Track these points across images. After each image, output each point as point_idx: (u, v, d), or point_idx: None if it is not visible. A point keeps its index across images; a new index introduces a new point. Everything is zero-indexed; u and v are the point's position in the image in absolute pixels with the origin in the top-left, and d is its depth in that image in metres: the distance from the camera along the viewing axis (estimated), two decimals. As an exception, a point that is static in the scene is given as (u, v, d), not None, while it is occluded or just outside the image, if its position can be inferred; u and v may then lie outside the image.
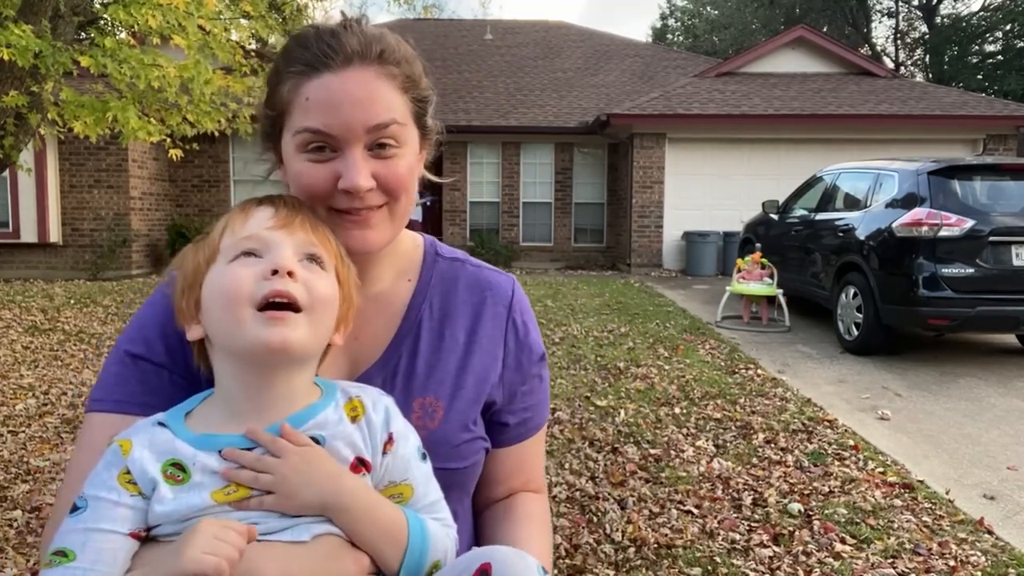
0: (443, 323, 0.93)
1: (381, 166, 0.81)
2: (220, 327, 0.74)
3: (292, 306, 0.72)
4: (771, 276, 7.38)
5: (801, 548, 2.72)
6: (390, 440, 0.77)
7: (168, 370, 0.84)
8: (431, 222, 14.74)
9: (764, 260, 7.49)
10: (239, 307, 0.71)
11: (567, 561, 2.61)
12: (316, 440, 0.74)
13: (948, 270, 5.53)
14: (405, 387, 0.88)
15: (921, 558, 2.66)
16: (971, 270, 5.53)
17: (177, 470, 0.71)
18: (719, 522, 2.93)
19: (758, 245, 8.41)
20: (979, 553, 2.71)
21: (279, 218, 0.78)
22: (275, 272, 0.72)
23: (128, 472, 0.71)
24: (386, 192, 0.83)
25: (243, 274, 0.73)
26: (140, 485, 0.71)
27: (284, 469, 0.71)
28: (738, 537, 2.80)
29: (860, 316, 6.09)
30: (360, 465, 0.75)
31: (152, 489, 0.71)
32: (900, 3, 27.95)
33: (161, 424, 0.74)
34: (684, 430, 4.03)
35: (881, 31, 31.64)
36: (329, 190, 0.81)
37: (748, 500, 3.15)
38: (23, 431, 3.96)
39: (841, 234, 6.65)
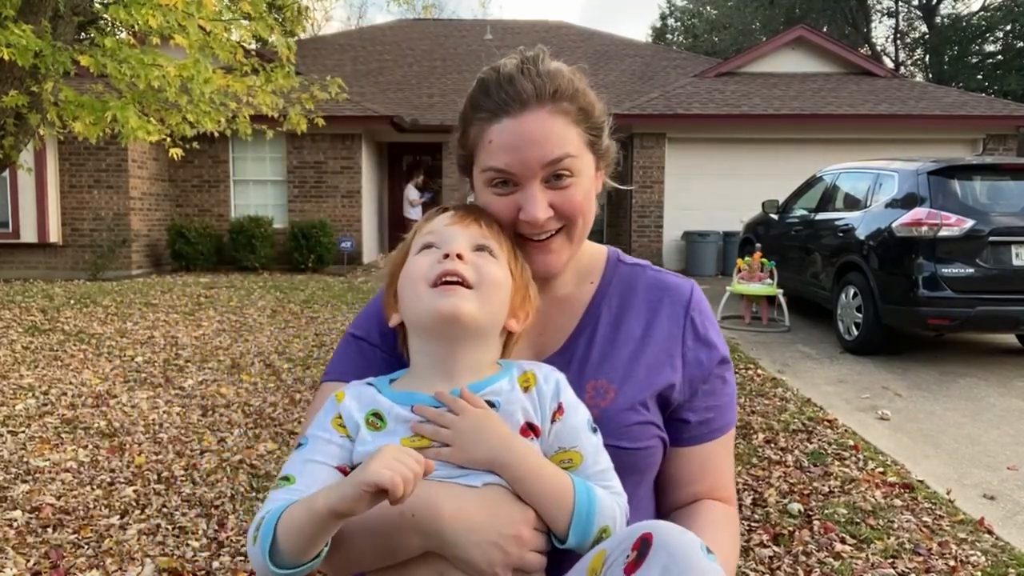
0: (620, 318, 1.00)
1: (557, 196, 0.91)
2: (407, 306, 0.89)
3: (463, 283, 0.85)
4: (771, 276, 7.38)
5: (801, 548, 2.72)
6: (559, 409, 0.86)
7: (380, 349, 1.01)
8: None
9: (764, 260, 7.49)
10: (418, 285, 0.86)
11: (567, 561, 2.61)
12: (491, 404, 0.85)
13: (948, 270, 5.53)
14: (579, 371, 0.96)
15: (921, 558, 2.66)
16: (971, 270, 5.53)
17: (376, 419, 0.86)
18: (719, 522, 2.92)
19: (758, 245, 8.41)
20: (979, 553, 2.71)
21: (455, 217, 0.92)
22: (447, 256, 0.86)
23: (339, 417, 0.87)
24: (563, 218, 0.93)
25: (422, 260, 0.88)
26: (348, 428, 0.86)
27: (460, 425, 0.83)
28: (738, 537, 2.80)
29: (860, 316, 6.09)
30: (529, 429, 0.85)
31: (356, 432, 0.86)
32: (900, 3, 27.94)
33: (369, 384, 0.91)
34: (684, 430, 4.03)
35: (881, 31, 31.68)
36: (512, 219, 0.93)
37: (748, 500, 3.15)
38: (23, 431, 3.96)
39: (841, 234, 6.65)
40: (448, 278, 0.84)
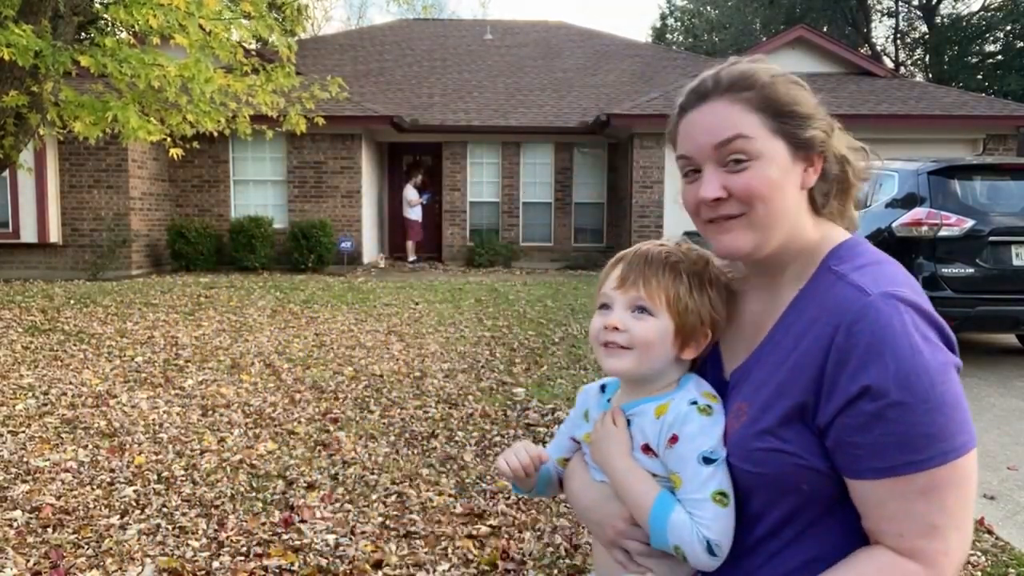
0: (785, 334, 0.96)
1: (733, 179, 0.94)
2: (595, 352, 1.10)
3: (621, 347, 1.03)
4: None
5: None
6: (673, 438, 0.99)
7: None
8: (431, 222, 14.74)
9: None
10: (595, 344, 1.07)
11: (567, 561, 2.61)
12: (629, 421, 1.06)
13: (948, 270, 5.53)
14: (737, 388, 1.01)
15: (921, 558, 2.66)
16: (971, 270, 5.53)
17: (586, 414, 1.16)
18: (719, 522, 2.92)
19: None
20: (979, 553, 2.71)
21: (618, 280, 1.05)
22: (606, 327, 1.04)
23: (579, 407, 1.19)
24: (741, 201, 0.94)
25: (596, 322, 1.06)
26: (580, 415, 1.18)
27: (596, 434, 1.09)
28: (738, 537, 2.80)
29: (860, 316, 6.08)
30: (647, 449, 1.02)
31: (580, 417, 1.17)
32: (900, 3, 27.94)
33: (602, 387, 1.17)
34: (684, 430, 4.03)
35: (881, 31, 31.69)
36: (696, 205, 0.98)
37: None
38: (23, 431, 3.96)
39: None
40: (609, 343, 1.03)
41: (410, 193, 14.14)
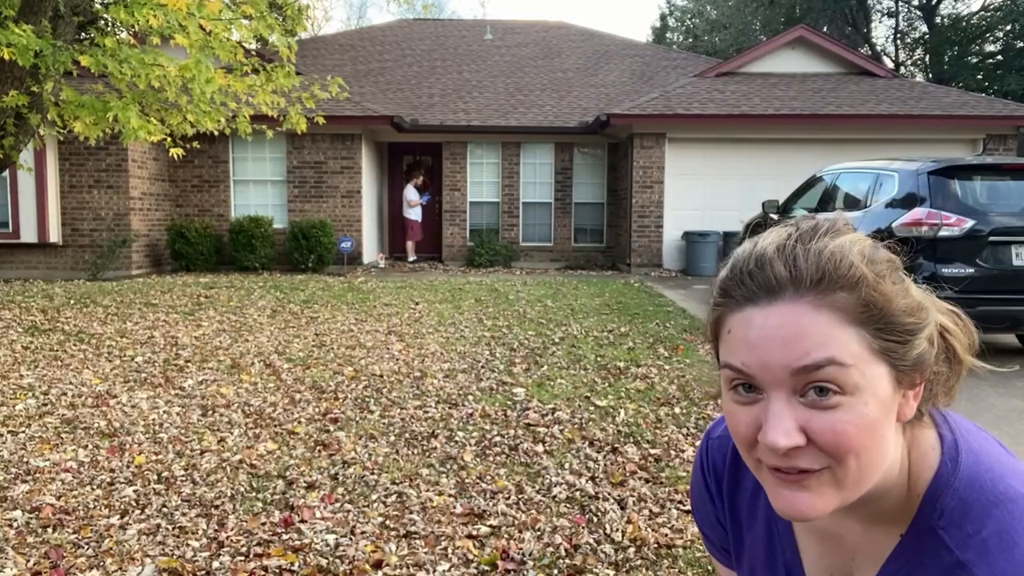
0: None
1: (817, 418, 0.66)
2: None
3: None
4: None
5: (801, 548, 2.71)
6: None
7: None
8: (431, 222, 14.75)
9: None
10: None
11: (567, 561, 2.61)
12: None
13: (948, 270, 5.53)
14: None
15: (921, 558, 2.66)
16: (971, 270, 5.53)
17: None
18: (719, 522, 2.92)
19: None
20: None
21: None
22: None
23: None
24: (825, 452, 0.66)
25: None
26: None
27: None
28: (738, 537, 2.80)
29: (860, 316, 6.08)
30: None
31: None
32: (900, 3, 27.95)
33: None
34: (684, 430, 4.03)
35: (881, 31, 31.68)
36: (753, 437, 0.69)
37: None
38: (23, 431, 3.96)
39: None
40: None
41: (410, 193, 14.15)
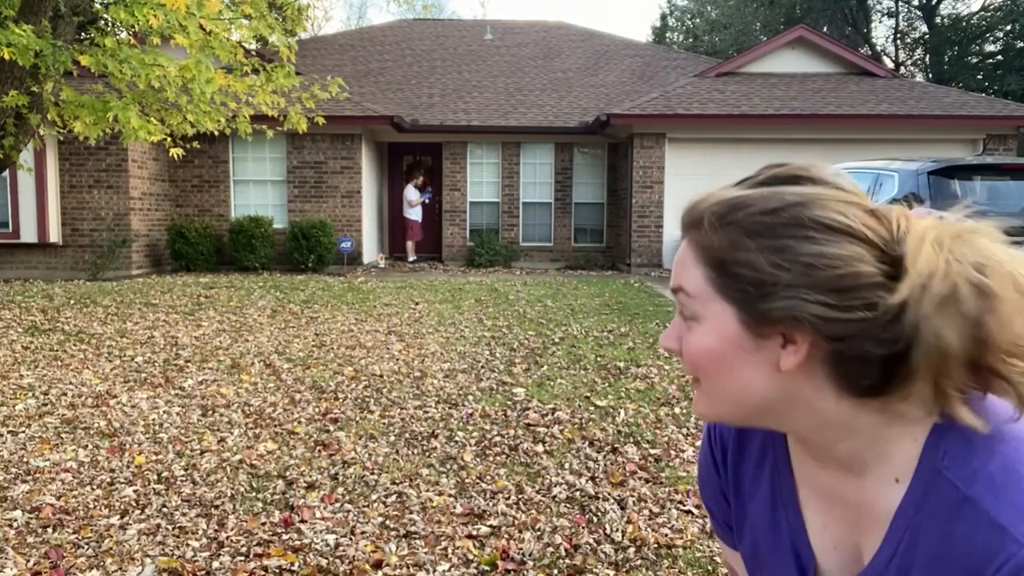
0: (911, 566, 0.70)
1: (686, 334, 0.76)
2: None
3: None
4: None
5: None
6: None
7: None
8: (431, 222, 14.74)
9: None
10: None
11: (567, 561, 2.61)
12: None
13: (948, 270, 5.53)
14: None
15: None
16: (971, 270, 5.53)
17: None
18: (719, 522, 2.92)
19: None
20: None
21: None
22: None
23: None
24: (688, 364, 0.77)
25: None
26: None
27: None
28: (738, 537, 2.80)
29: (860, 316, 6.08)
30: None
31: None
32: (900, 3, 27.95)
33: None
34: (684, 430, 4.04)
35: (881, 31, 31.69)
36: None
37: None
38: (23, 431, 3.96)
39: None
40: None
41: (411, 193, 14.15)
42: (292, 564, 2.57)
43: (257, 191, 13.04)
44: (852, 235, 0.67)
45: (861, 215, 0.68)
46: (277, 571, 2.53)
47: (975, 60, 25.86)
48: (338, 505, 3.07)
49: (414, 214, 14.26)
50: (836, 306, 0.66)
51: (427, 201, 14.39)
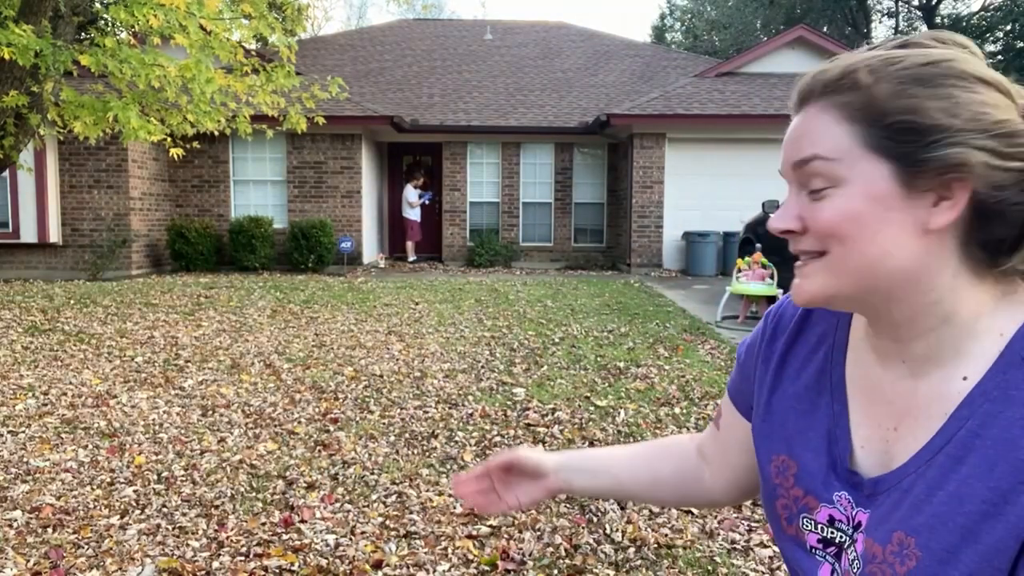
0: (966, 454, 0.68)
1: (810, 208, 0.72)
2: None
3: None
4: (771, 276, 7.38)
5: (801, 548, 2.71)
6: None
7: None
8: (431, 222, 14.74)
9: (764, 260, 7.49)
10: None
11: (567, 561, 2.61)
12: None
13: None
14: (892, 510, 0.72)
15: (921, 558, 2.66)
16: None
17: None
18: (719, 522, 2.93)
19: (758, 245, 8.40)
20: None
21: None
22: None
23: None
24: (816, 238, 0.73)
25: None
26: None
27: None
28: (738, 537, 2.80)
29: (860, 316, 6.08)
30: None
31: None
32: (900, 3, 27.96)
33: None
34: (684, 430, 4.04)
35: (881, 31, 31.68)
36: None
37: (748, 500, 3.14)
38: (23, 431, 3.96)
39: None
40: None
41: (410, 194, 14.15)
42: (292, 564, 2.57)
43: (257, 191, 13.04)
44: (1003, 89, 0.71)
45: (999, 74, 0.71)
46: (277, 571, 2.53)
47: (975, 60, 25.86)
48: (338, 505, 3.07)
49: (413, 214, 14.26)
50: (1001, 153, 0.67)
51: (427, 202, 14.39)
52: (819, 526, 0.77)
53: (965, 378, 0.70)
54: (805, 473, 0.79)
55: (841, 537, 0.75)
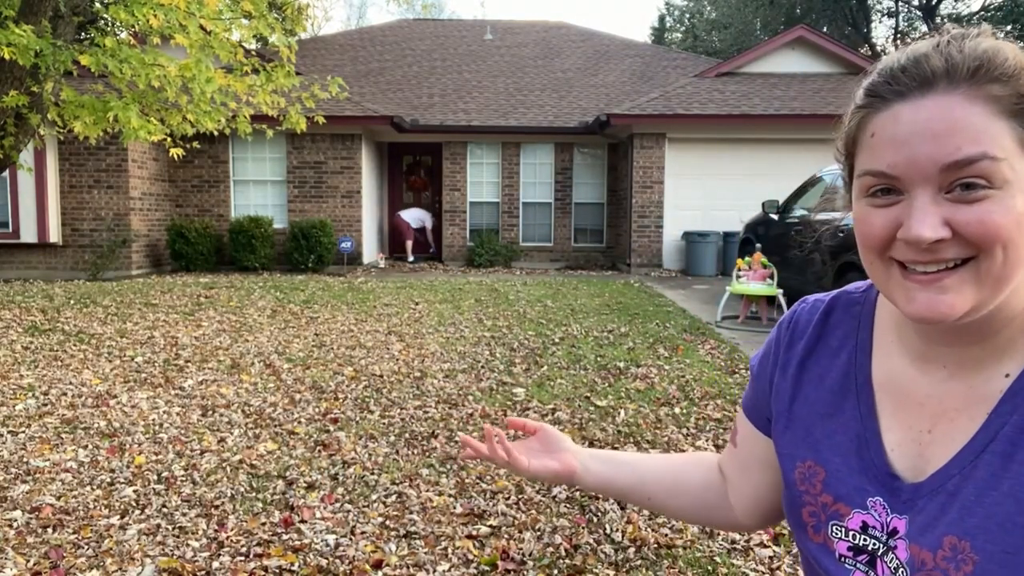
0: (1015, 451, 0.65)
1: (963, 211, 0.63)
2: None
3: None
4: (771, 276, 7.38)
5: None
6: None
7: None
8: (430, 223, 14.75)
9: (764, 260, 7.49)
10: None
11: (567, 561, 2.61)
12: None
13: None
14: (942, 511, 0.68)
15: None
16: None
17: None
18: (719, 522, 2.92)
19: (758, 245, 8.41)
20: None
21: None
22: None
23: None
24: (971, 244, 0.63)
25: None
26: None
27: None
28: (738, 537, 2.80)
29: (860, 316, 6.07)
30: None
31: None
32: (900, 3, 27.96)
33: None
34: (684, 430, 4.04)
35: (881, 31, 31.71)
36: (887, 239, 0.67)
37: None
38: (23, 431, 3.96)
39: (841, 234, 6.65)
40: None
41: (412, 221, 14.17)
42: (292, 564, 2.57)
43: (257, 191, 13.04)
44: None
45: None
46: (277, 571, 2.53)
47: (975, 60, 25.85)
48: (338, 505, 3.07)
49: (414, 224, 14.29)
50: None
51: (426, 227, 14.42)
52: (850, 533, 0.74)
53: (1007, 375, 0.68)
54: (834, 478, 0.76)
55: (874, 545, 0.72)
